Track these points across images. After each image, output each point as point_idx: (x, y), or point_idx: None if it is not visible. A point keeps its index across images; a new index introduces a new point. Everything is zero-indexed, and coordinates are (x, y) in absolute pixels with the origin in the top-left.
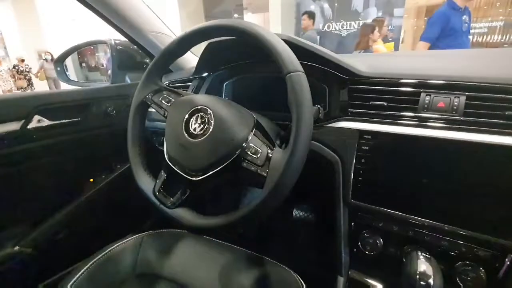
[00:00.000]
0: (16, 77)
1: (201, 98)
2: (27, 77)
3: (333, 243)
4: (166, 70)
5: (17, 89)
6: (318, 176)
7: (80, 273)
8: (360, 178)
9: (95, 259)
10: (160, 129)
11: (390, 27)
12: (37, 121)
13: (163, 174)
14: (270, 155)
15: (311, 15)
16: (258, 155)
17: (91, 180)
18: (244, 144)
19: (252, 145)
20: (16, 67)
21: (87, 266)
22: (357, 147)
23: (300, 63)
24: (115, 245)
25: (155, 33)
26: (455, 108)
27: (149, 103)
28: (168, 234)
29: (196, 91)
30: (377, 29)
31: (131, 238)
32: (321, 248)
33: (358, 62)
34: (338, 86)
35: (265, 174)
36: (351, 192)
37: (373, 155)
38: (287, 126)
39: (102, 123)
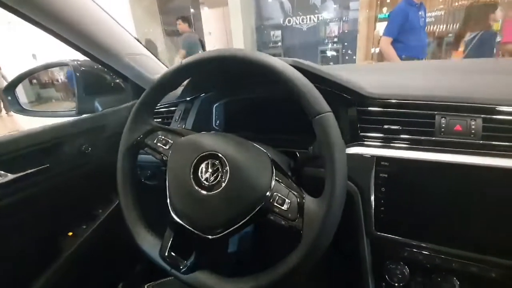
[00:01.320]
0: None
1: (208, 141)
2: None
3: (360, 277)
4: (154, 103)
5: None
6: None
7: None
8: (382, 208)
9: None
10: (144, 162)
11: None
12: None
13: (170, 232)
14: (301, 204)
15: (185, 19)
16: (287, 206)
17: (70, 234)
18: (268, 193)
19: (277, 193)
20: None
21: None
22: (374, 174)
23: None
24: None
25: (132, 55)
26: (473, 131)
27: (142, 147)
28: (171, 284)
29: (184, 116)
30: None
31: None
32: (348, 283)
33: (363, 81)
34: (346, 109)
35: (299, 228)
36: (374, 223)
37: (392, 182)
38: (291, 154)
39: (76, 164)
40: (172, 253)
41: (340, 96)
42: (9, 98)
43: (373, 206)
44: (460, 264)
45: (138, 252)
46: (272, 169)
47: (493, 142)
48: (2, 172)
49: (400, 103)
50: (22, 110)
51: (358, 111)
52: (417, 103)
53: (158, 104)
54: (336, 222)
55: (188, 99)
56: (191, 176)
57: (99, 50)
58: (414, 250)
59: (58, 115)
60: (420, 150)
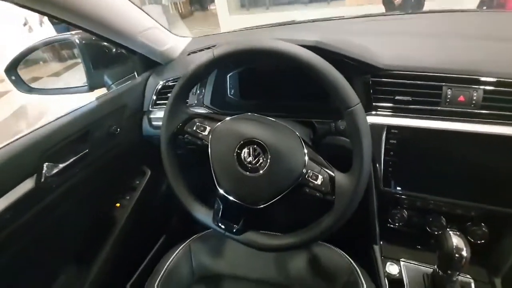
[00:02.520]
0: None
1: (246, 128)
2: None
3: (367, 220)
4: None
5: None
6: (348, 166)
7: None
8: (390, 169)
9: (160, 276)
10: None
11: None
12: (48, 169)
13: (219, 204)
14: (333, 179)
15: None
16: (320, 181)
17: (118, 205)
18: (304, 171)
19: (311, 170)
20: None
21: (156, 284)
22: (384, 141)
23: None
24: (170, 258)
25: (143, 32)
26: (473, 102)
27: (182, 134)
28: (212, 234)
29: (201, 88)
30: None
31: (180, 248)
32: (356, 225)
33: (378, 50)
34: (362, 79)
35: (331, 199)
36: (382, 181)
37: (400, 147)
38: (308, 123)
39: (109, 146)
40: (224, 219)
41: (357, 67)
42: (13, 78)
43: (382, 167)
44: (448, 208)
45: (172, 213)
46: (303, 148)
47: (490, 112)
48: (52, 163)
49: (413, 75)
50: (30, 90)
51: (372, 82)
52: (429, 75)
53: (175, 77)
54: (362, 193)
55: None
56: (236, 159)
57: (113, 33)
58: (412, 199)
59: (69, 92)
60: (426, 119)
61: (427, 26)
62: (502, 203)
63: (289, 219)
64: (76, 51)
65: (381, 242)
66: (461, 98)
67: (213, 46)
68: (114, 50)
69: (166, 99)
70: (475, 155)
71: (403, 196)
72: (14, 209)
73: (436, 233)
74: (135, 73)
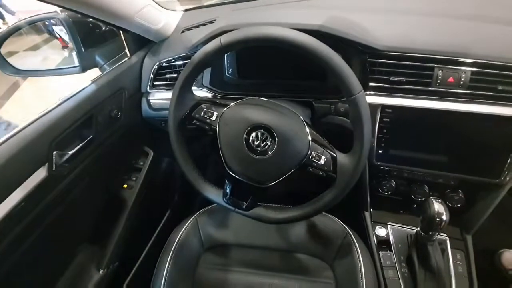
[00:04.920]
0: None
1: (253, 114)
2: None
3: (359, 190)
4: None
5: None
6: (345, 144)
7: (166, 264)
8: (382, 145)
9: (171, 250)
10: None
11: None
12: (57, 157)
13: (228, 183)
14: (335, 158)
15: None
16: (324, 161)
17: (125, 186)
18: (308, 152)
19: (314, 151)
20: None
21: (169, 258)
22: (378, 119)
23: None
24: (181, 231)
25: (140, 12)
26: (461, 83)
27: (190, 119)
28: (217, 209)
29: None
30: None
31: (187, 223)
32: (350, 194)
33: (375, 29)
34: (359, 59)
35: (333, 176)
36: (375, 156)
37: (393, 125)
38: (307, 103)
39: (112, 130)
40: (233, 197)
41: (356, 48)
42: None
43: (375, 143)
44: (431, 178)
45: (175, 190)
46: (306, 130)
47: (475, 92)
48: (61, 151)
49: (408, 57)
50: (17, 72)
51: (369, 63)
52: (423, 57)
53: (171, 58)
54: (361, 171)
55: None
56: (244, 144)
57: (109, 16)
58: (400, 171)
59: (61, 73)
60: (418, 98)
61: (421, 3)
62: (477, 172)
63: (293, 194)
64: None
65: (371, 209)
66: (451, 79)
67: (210, 21)
68: (103, 28)
69: (163, 79)
70: (457, 131)
71: (392, 169)
72: (30, 199)
73: (419, 199)
74: (127, 51)
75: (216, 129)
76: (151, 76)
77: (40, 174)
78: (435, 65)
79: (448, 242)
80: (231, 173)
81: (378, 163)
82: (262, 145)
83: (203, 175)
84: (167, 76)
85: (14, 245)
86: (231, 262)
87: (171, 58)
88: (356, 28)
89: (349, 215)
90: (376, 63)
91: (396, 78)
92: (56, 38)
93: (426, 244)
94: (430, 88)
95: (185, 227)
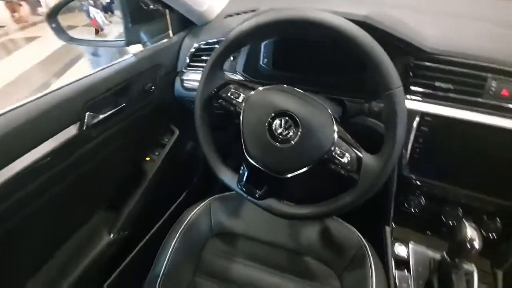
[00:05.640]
0: None
1: (280, 100)
2: None
3: (383, 201)
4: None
5: None
6: (373, 148)
7: (173, 242)
8: (415, 156)
9: (180, 229)
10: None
11: None
12: (89, 118)
13: (245, 169)
14: (360, 159)
15: None
16: (347, 160)
17: (148, 159)
18: (332, 147)
19: (338, 148)
20: None
21: (177, 236)
22: (416, 127)
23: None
24: (192, 213)
25: None
26: None
27: (217, 98)
28: (232, 197)
29: (235, 57)
30: None
31: (200, 206)
32: (371, 204)
33: (422, 29)
34: (403, 58)
35: (356, 177)
36: (406, 166)
37: (430, 135)
38: (339, 101)
39: (144, 102)
40: (247, 184)
41: (401, 47)
42: (53, 25)
43: (408, 153)
44: (466, 199)
45: (194, 173)
46: (334, 125)
47: None
48: (93, 113)
49: (459, 62)
50: (70, 39)
51: (414, 64)
52: (475, 64)
53: (210, 40)
54: (386, 177)
55: None
56: (267, 130)
57: None
58: (432, 187)
59: (107, 45)
60: (465, 110)
61: (476, 8)
62: None
63: (309, 191)
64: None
65: (393, 224)
66: (505, 92)
67: (252, 10)
68: (151, 6)
69: (199, 61)
70: (504, 151)
71: (423, 183)
72: (58, 153)
73: (450, 222)
74: (170, 32)
75: (240, 112)
76: (188, 56)
77: (71, 131)
78: (489, 74)
79: (475, 274)
80: (249, 158)
81: (409, 175)
82: (284, 133)
83: (223, 159)
84: (203, 58)
85: (35, 194)
86: (236, 252)
87: (209, 41)
88: (402, 25)
89: (367, 226)
90: (420, 66)
91: (442, 85)
92: (90, 19)
93: (450, 272)
94: (480, 100)
95: (197, 209)
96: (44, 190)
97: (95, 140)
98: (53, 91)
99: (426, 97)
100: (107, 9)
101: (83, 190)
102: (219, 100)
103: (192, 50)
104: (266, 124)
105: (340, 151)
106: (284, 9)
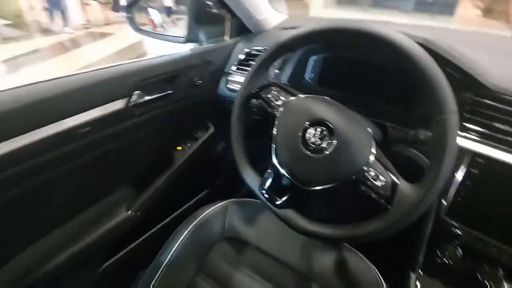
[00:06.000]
0: None
1: (320, 109)
2: None
3: (412, 243)
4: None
5: None
6: (412, 181)
7: (184, 234)
8: (459, 199)
9: (193, 223)
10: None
11: None
12: (137, 97)
13: (270, 174)
14: (395, 185)
15: None
16: (381, 184)
17: (179, 148)
18: (365, 168)
19: (373, 170)
20: None
21: (188, 229)
22: (465, 168)
23: None
24: (207, 211)
25: None
26: None
27: (257, 98)
28: (251, 203)
29: (282, 68)
30: None
31: (218, 205)
32: (399, 244)
33: (486, 66)
34: (460, 93)
35: (387, 205)
36: (446, 209)
37: (480, 179)
38: (380, 125)
39: (188, 94)
40: (270, 190)
41: (460, 79)
42: (129, 15)
43: (452, 195)
44: (509, 260)
45: (219, 172)
46: (372, 146)
47: None
48: (140, 93)
49: None
50: (138, 30)
51: (473, 101)
52: None
53: (261, 48)
54: (422, 210)
55: None
56: (300, 137)
57: None
58: (472, 238)
59: (168, 39)
60: None
61: None
62: None
63: (332, 210)
64: None
65: (420, 271)
66: None
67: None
68: (215, 10)
69: (246, 65)
70: None
71: (463, 232)
72: (101, 122)
73: (487, 283)
74: (226, 35)
75: (276, 115)
76: (238, 59)
77: (118, 104)
78: None
79: None
80: (276, 163)
81: (448, 220)
82: (318, 143)
83: (251, 161)
84: (251, 63)
85: (69, 157)
86: (243, 260)
87: (261, 48)
88: (463, 56)
89: (388, 266)
90: (479, 103)
91: (501, 126)
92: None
93: None
94: None
95: (213, 208)
96: (75, 156)
97: (136, 118)
98: (111, 66)
99: (481, 137)
100: (168, 12)
101: (112, 163)
102: (259, 100)
103: (243, 54)
104: (301, 130)
105: (375, 173)
106: (341, 20)
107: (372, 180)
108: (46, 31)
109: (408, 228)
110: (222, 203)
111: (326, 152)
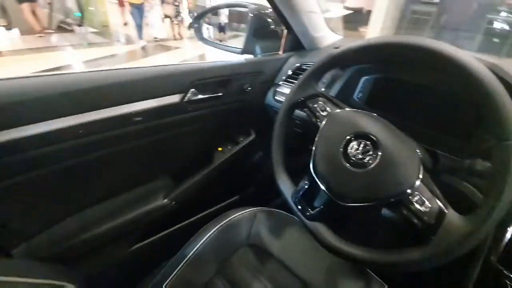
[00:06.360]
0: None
1: (366, 122)
2: (175, 3)
3: (454, 286)
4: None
5: (164, 17)
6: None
7: (210, 232)
8: None
9: (221, 224)
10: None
11: None
12: (191, 94)
13: (304, 183)
14: (442, 213)
15: None
16: (426, 210)
17: (220, 149)
18: (409, 191)
19: (419, 194)
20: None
21: (215, 228)
22: None
23: None
24: (237, 214)
25: (309, 13)
26: None
27: (302, 106)
28: (279, 215)
29: (331, 84)
30: None
31: (247, 210)
32: (436, 282)
33: None
34: None
35: (431, 234)
36: (498, 253)
37: None
38: (430, 151)
39: (237, 99)
40: (302, 200)
41: None
42: (196, 26)
43: (508, 239)
44: None
45: (254, 180)
46: (420, 169)
47: None
48: (195, 91)
49: None
50: (202, 39)
51: None
52: None
53: (311, 63)
54: (471, 246)
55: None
56: (342, 148)
57: (285, 3)
58: None
59: (226, 49)
60: None
61: None
62: None
63: (366, 231)
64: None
65: None
66: None
67: None
68: (272, 27)
69: (296, 79)
70: None
71: None
72: (158, 112)
73: None
74: (281, 50)
75: (319, 125)
76: (289, 72)
77: (174, 99)
78: None
79: None
80: (313, 173)
81: (499, 266)
82: (360, 157)
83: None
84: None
85: (122, 138)
86: (264, 271)
87: (312, 63)
88: None
89: None
90: None
91: None
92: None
93: None
94: None
95: (242, 212)
96: (128, 139)
97: (187, 114)
98: (173, 64)
99: None
100: (221, 29)
101: (158, 152)
102: (304, 109)
103: (294, 68)
104: (343, 142)
105: (420, 198)
106: (399, 36)
107: (417, 205)
108: (127, 42)
109: (450, 266)
110: (252, 209)
111: (368, 168)
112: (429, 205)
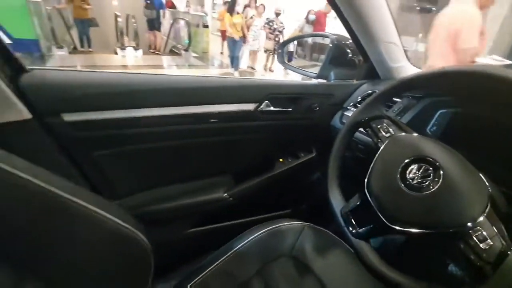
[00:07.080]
0: (266, 36)
1: (430, 147)
2: (276, 39)
3: None
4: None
5: (264, 51)
6: None
7: (258, 233)
8: None
9: (269, 228)
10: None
11: None
12: (264, 105)
13: (356, 200)
14: (505, 254)
15: None
16: (486, 247)
17: (281, 160)
18: (469, 224)
19: (481, 229)
20: (270, 24)
21: (263, 230)
22: None
23: None
24: (286, 223)
25: (387, 43)
26: None
27: (365, 126)
28: (326, 234)
29: (404, 111)
30: None
31: (296, 223)
32: None
33: None
34: None
35: (488, 273)
36: None
37: None
38: (508, 196)
39: (305, 116)
40: (351, 216)
41: None
42: (279, 51)
43: None
44: None
45: (308, 196)
46: (486, 204)
47: None
48: (268, 103)
49: None
50: (283, 63)
51: None
52: None
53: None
54: None
55: (415, 95)
56: (399, 170)
57: (364, 32)
58: None
59: (302, 73)
60: None
61: None
62: None
63: (413, 258)
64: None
65: None
66: None
67: None
68: (350, 55)
69: None
70: None
71: None
72: (234, 116)
73: None
74: (354, 80)
75: (380, 146)
76: (359, 98)
77: (249, 107)
78: None
79: None
80: (366, 191)
81: None
82: (418, 180)
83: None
84: None
85: (200, 133)
86: (300, 284)
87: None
88: None
89: None
90: None
91: None
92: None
93: None
94: None
95: (292, 223)
96: (205, 134)
97: (258, 122)
98: (253, 78)
99: None
100: (289, 57)
101: (225, 151)
102: (367, 129)
103: (364, 94)
104: (402, 164)
105: (481, 233)
106: (479, 65)
107: (477, 241)
108: (218, 67)
109: None
110: (301, 223)
111: (425, 192)
112: (491, 243)
